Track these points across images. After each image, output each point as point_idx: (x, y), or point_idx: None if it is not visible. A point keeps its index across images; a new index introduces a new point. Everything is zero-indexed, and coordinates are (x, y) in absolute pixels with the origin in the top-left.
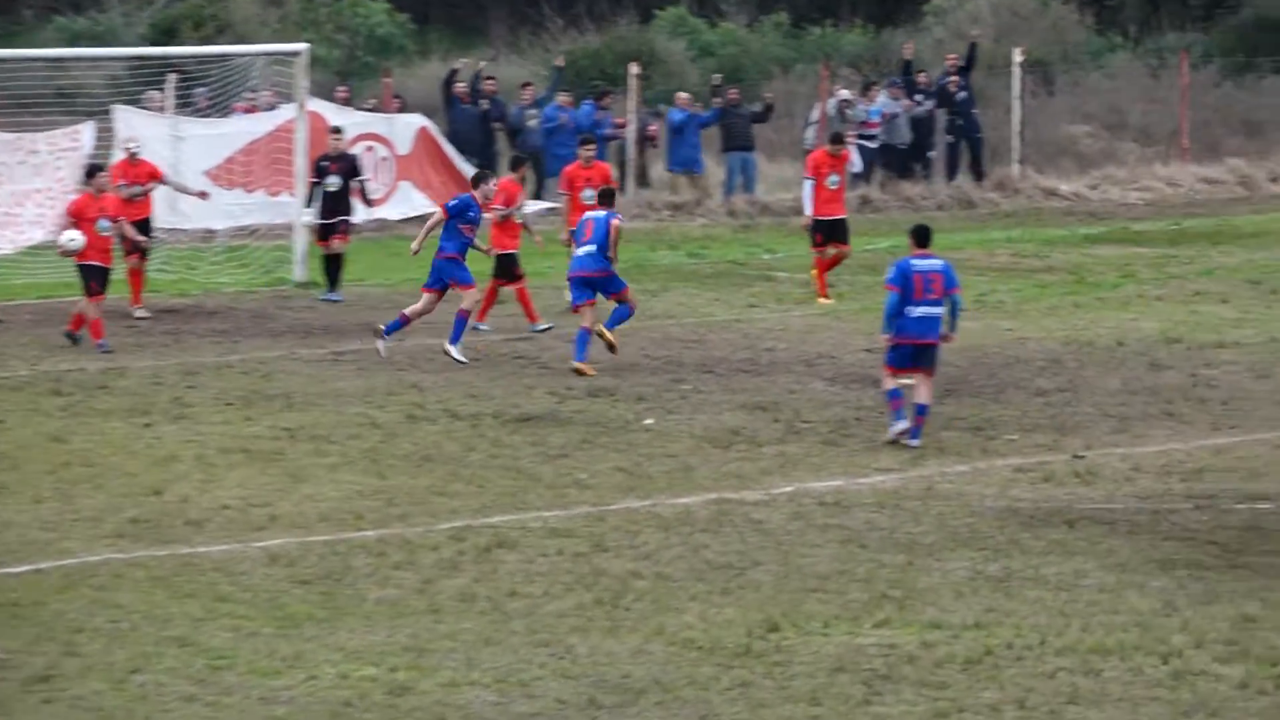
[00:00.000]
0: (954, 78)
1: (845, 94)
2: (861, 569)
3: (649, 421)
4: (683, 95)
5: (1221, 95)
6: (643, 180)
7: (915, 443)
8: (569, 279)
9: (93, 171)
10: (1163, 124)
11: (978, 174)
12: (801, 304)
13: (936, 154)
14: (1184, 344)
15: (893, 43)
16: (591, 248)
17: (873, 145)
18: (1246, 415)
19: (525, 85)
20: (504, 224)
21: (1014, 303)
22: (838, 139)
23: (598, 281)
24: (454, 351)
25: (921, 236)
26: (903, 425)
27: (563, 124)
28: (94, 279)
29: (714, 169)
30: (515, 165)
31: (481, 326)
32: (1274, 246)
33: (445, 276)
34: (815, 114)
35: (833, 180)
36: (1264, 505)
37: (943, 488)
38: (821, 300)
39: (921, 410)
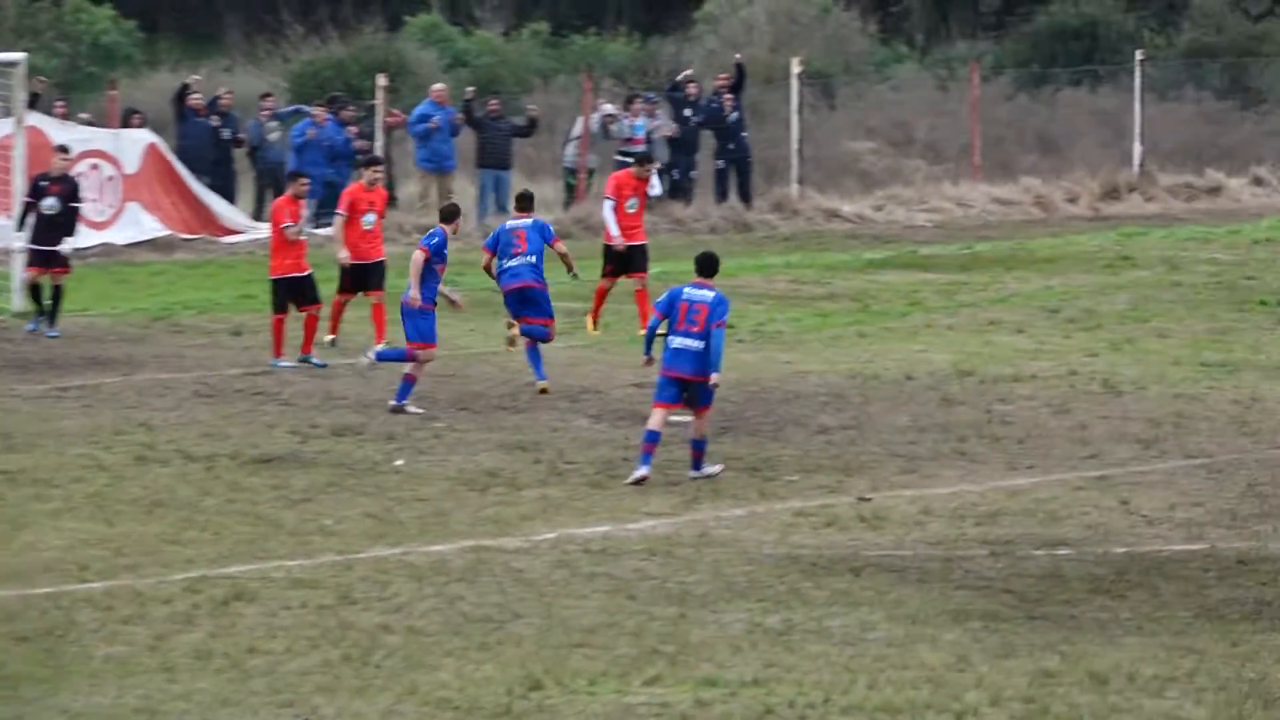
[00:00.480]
0: (728, 96)
1: (609, 108)
2: (631, 621)
3: (399, 463)
4: (438, 87)
5: (1015, 109)
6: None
7: (695, 474)
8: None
9: None
10: (952, 140)
11: (745, 199)
12: (564, 334)
13: (697, 174)
14: (977, 377)
15: (661, 52)
16: (530, 258)
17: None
18: (1044, 454)
19: (265, 96)
20: (289, 244)
21: (794, 333)
22: (645, 159)
23: (534, 294)
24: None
25: (703, 265)
26: (643, 472)
27: (309, 139)
28: None
29: (468, 187)
30: (293, 179)
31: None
32: (1071, 272)
33: (412, 333)
34: (577, 129)
35: (632, 204)
36: (1063, 551)
37: (718, 533)
38: (591, 330)
39: (696, 445)
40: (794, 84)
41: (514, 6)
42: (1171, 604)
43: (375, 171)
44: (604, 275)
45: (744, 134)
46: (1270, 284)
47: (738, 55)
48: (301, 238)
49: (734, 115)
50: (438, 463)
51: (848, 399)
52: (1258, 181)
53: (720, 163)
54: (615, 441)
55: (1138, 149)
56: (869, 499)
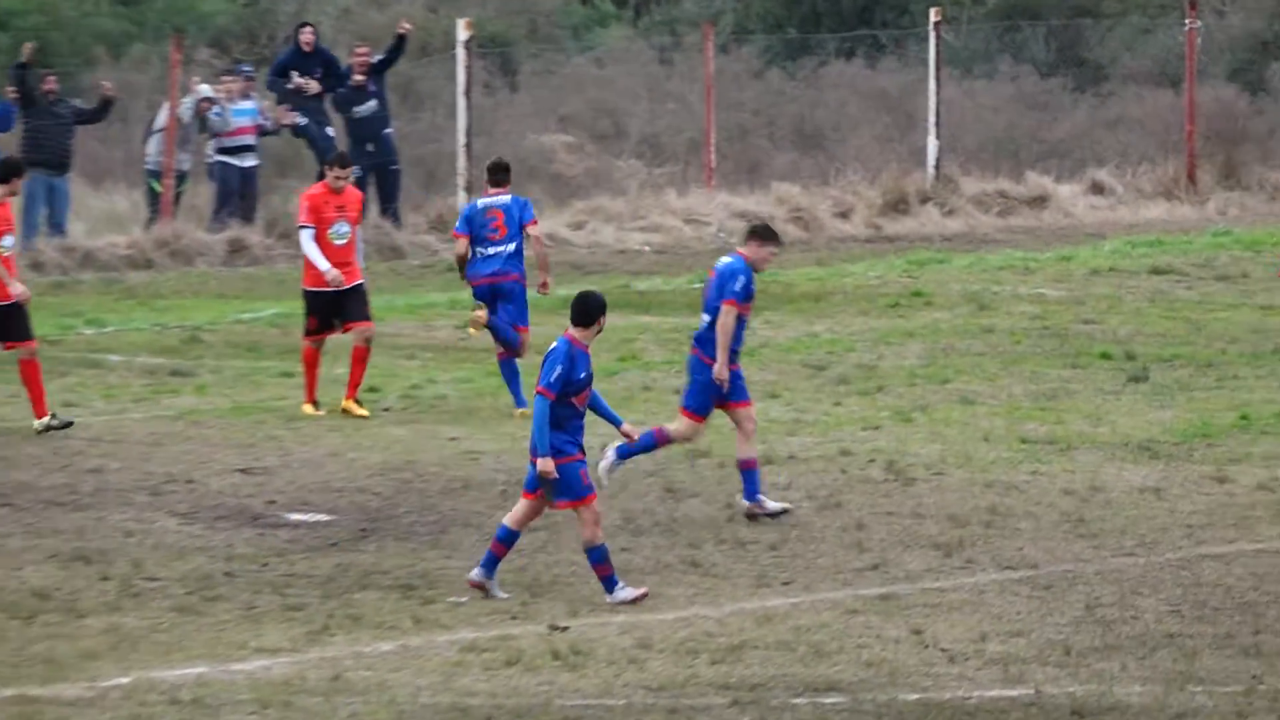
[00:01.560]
0: (360, 78)
1: (207, 89)
2: None
3: None
4: None
5: (764, 90)
6: None
7: (610, 598)
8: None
9: None
10: (679, 133)
11: (392, 215)
12: (143, 401)
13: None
14: (713, 458)
15: (277, 11)
16: (509, 245)
17: (244, 164)
18: (806, 565)
19: None
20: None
21: (462, 399)
22: (342, 161)
23: (510, 289)
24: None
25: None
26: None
27: None
28: None
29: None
30: (8, 175)
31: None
32: (843, 314)
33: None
34: (162, 118)
35: (340, 231)
36: (833, 699)
37: (357, 676)
38: (308, 408)
39: (500, 536)
40: (460, 55)
41: None
42: None
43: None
44: (309, 333)
45: (387, 130)
46: (1115, 330)
47: (405, 24)
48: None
49: (370, 104)
50: None
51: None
52: (1097, 189)
53: (355, 169)
54: (214, 550)
55: (933, 144)
56: (565, 628)
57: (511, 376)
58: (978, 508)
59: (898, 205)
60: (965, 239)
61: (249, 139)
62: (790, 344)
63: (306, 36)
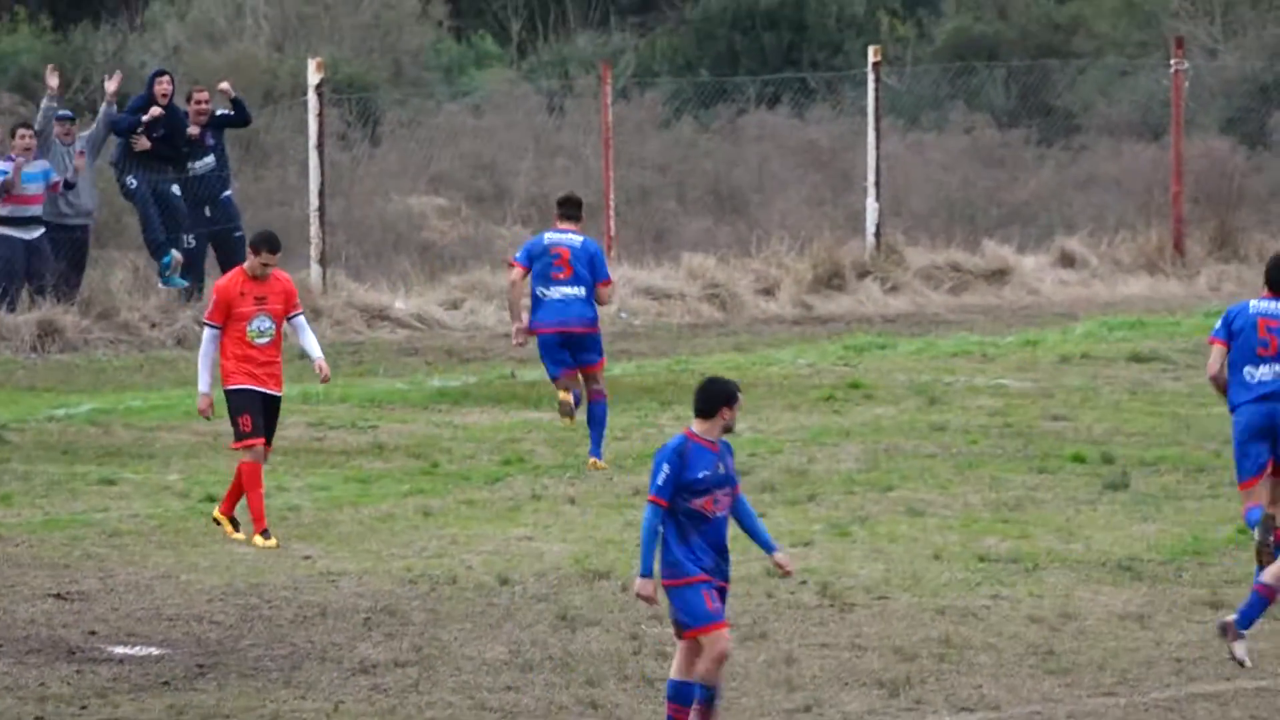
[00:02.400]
0: (195, 130)
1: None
2: None
3: None
4: None
5: (672, 141)
6: None
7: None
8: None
9: None
10: (573, 188)
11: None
12: None
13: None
14: (615, 580)
15: (92, 49)
16: (579, 289)
17: (29, 237)
18: (727, 706)
19: None
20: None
21: (317, 509)
22: (270, 243)
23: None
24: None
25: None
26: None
27: None
28: None
29: None
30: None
31: None
32: (768, 408)
33: None
34: None
35: (263, 327)
36: None
37: None
38: (260, 540)
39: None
40: (311, 102)
41: None
42: None
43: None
44: (242, 436)
45: (227, 192)
46: (1089, 428)
47: (225, 85)
48: None
49: (207, 160)
50: None
51: (406, 617)
52: (1067, 260)
53: (188, 238)
54: (24, 689)
55: (872, 208)
56: None
57: (599, 429)
58: (928, 638)
59: (831, 280)
60: (912, 320)
61: (37, 209)
62: None
63: (162, 88)
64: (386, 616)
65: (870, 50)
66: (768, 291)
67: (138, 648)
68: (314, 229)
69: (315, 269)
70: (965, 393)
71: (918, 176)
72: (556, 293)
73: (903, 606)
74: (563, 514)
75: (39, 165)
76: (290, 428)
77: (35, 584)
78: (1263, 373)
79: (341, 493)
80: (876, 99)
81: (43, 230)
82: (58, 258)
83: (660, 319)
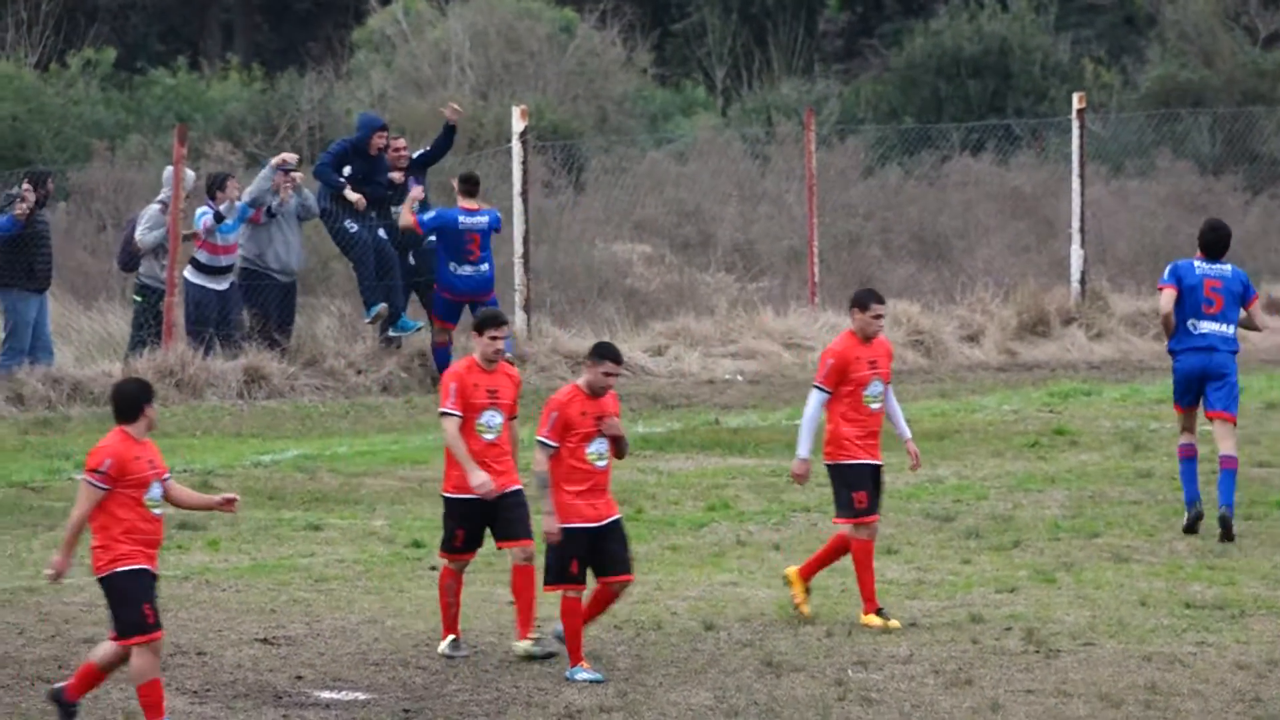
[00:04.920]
0: (397, 175)
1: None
2: None
3: None
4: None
5: (876, 189)
6: None
7: None
8: None
9: None
10: (776, 239)
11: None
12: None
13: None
14: (821, 626)
15: (298, 96)
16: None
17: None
18: None
19: None
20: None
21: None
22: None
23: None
24: None
25: None
26: None
27: None
28: None
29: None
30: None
31: None
32: (973, 455)
33: None
34: (147, 221)
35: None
36: None
37: None
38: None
39: None
40: (516, 150)
41: (54, 22)
42: None
43: (499, 331)
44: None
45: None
46: None
47: (453, 107)
48: None
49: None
50: None
51: (611, 663)
52: (1274, 307)
53: (403, 286)
54: None
55: (1077, 254)
56: None
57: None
58: (1134, 685)
59: (1036, 327)
60: (1117, 366)
61: (232, 258)
62: (910, 491)
63: (381, 142)
64: (592, 661)
65: (1075, 97)
66: (972, 338)
67: (344, 693)
68: (518, 276)
69: (520, 316)
70: (1170, 439)
71: (1122, 223)
72: (1205, 324)
73: (1108, 653)
74: (767, 560)
75: (234, 210)
76: None
77: (242, 629)
78: (1205, 327)
79: None
80: (1081, 145)
81: (233, 280)
82: (267, 309)
83: None
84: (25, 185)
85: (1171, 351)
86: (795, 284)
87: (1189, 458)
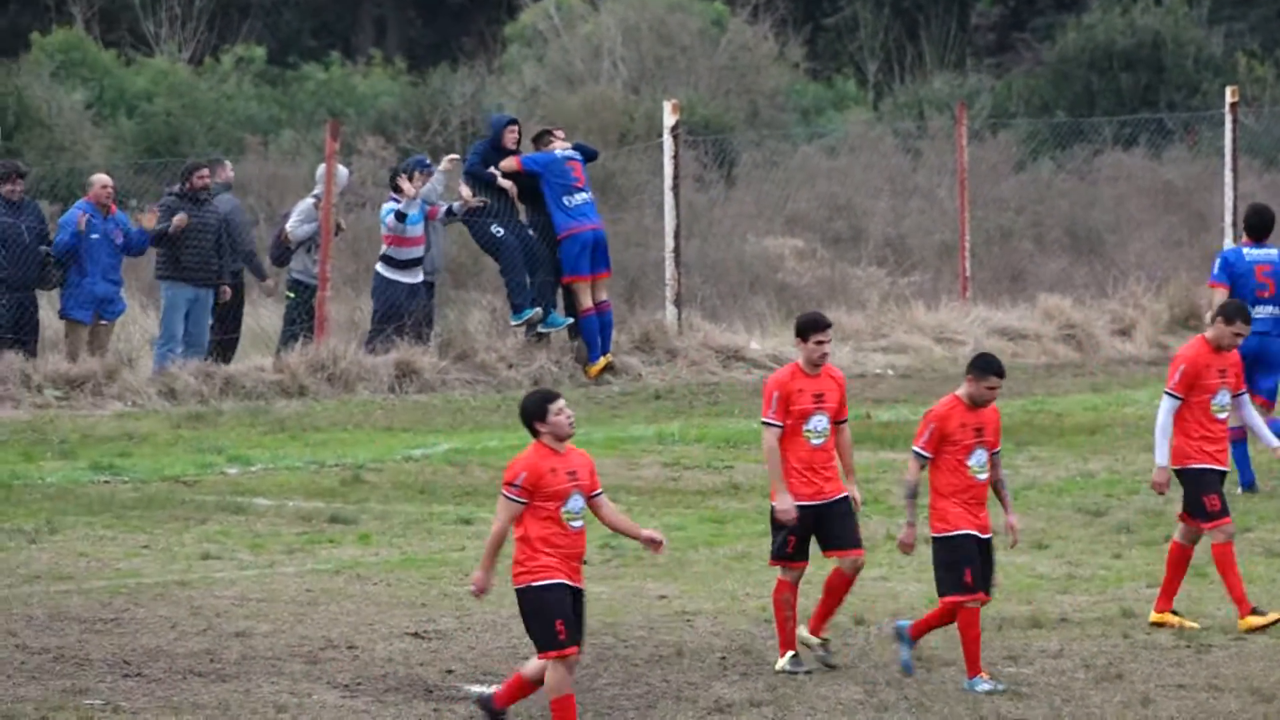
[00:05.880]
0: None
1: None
2: None
3: None
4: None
5: (1028, 183)
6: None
7: None
8: None
9: None
10: (927, 234)
11: None
12: (296, 553)
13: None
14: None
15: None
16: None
17: (413, 279)
18: None
19: None
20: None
21: (671, 549)
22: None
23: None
24: None
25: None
26: None
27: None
28: None
29: (139, 315)
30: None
31: None
32: (1126, 449)
33: None
34: (298, 215)
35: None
36: None
37: None
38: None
39: None
40: (667, 144)
41: (207, 18)
42: None
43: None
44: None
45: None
46: None
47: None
48: None
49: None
50: None
51: (762, 657)
52: None
53: (548, 282)
54: None
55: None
56: None
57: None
58: None
59: (1188, 320)
60: None
61: (419, 250)
62: (1062, 485)
63: (513, 136)
64: (742, 656)
65: (1228, 91)
66: (1124, 332)
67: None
68: (669, 270)
69: (670, 310)
70: None
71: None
72: (1259, 310)
73: (1260, 648)
74: (919, 554)
75: (416, 204)
76: (645, 468)
77: (393, 623)
78: (1261, 312)
79: (696, 533)
80: (1234, 139)
81: (423, 275)
82: (383, 305)
83: (1016, 359)
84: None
85: None
86: (947, 278)
87: (1239, 440)
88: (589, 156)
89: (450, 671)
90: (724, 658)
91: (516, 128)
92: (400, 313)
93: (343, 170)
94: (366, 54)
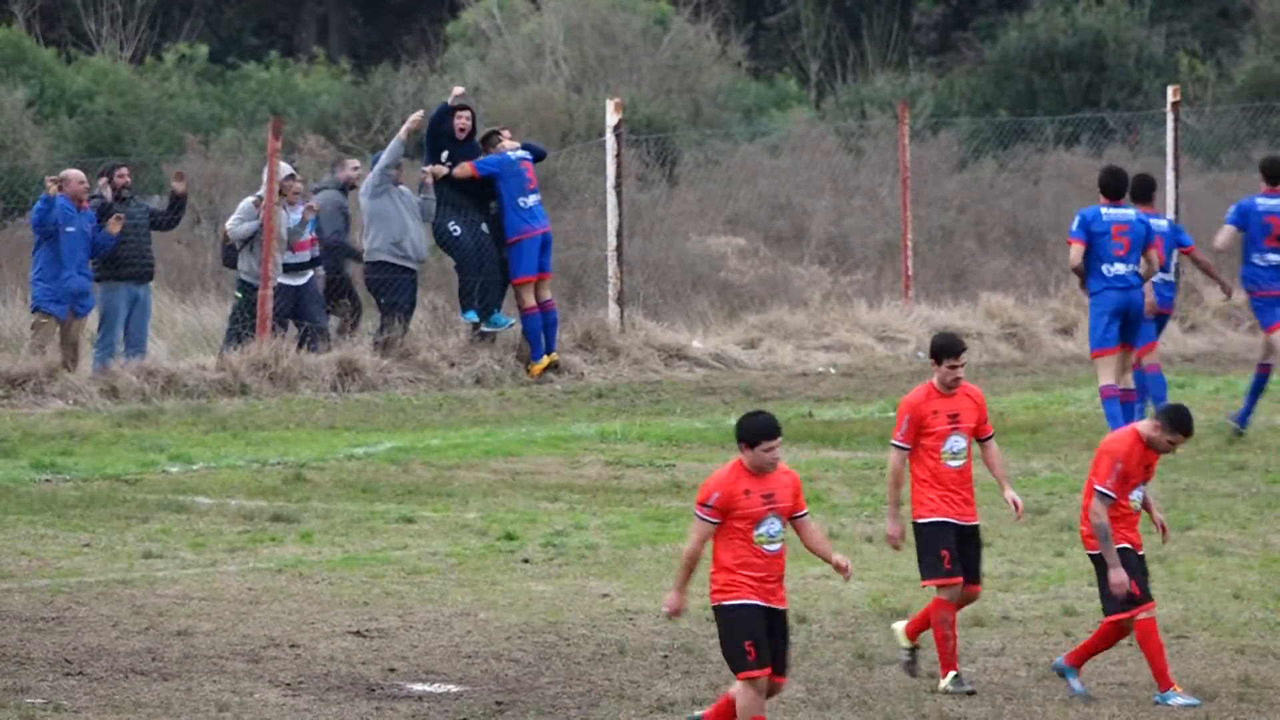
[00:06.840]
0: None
1: (288, 169)
2: None
3: None
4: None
5: (970, 182)
6: None
7: None
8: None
9: None
10: (870, 233)
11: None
12: (238, 551)
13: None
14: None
15: (393, 90)
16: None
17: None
18: None
19: None
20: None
21: (614, 547)
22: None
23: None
24: None
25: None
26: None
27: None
28: None
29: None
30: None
31: None
32: (1067, 446)
33: None
34: (238, 215)
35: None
36: None
37: None
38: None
39: None
40: (609, 143)
41: (148, 17)
42: None
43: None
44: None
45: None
46: None
47: (504, 134)
48: None
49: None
50: None
51: (704, 655)
52: None
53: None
54: None
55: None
56: None
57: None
58: (1227, 678)
59: None
60: (1210, 359)
61: (306, 255)
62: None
63: (461, 122)
64: (684, 654)
65: (1169, 90)
66: (1066, 331)
67: (436, 685)
68: (611, 269)
69: (613, 308)
70: (1265, 432)
71: (1217, 216)
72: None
73: (1202, 646)
74: (860, 552)
75: (298, 213)
76: (587, 466)
77: (335, 621)
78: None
79: (639, 531)
80: (1176, 139)
81: (312, 274)
82: (398, 299)
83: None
84: (101, 181)
85: (1092, 292)
86: (889, 277)
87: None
88: (538, 156)
89: (392, 670)
90: (666, 656)
91: (467, 113)
92: (283, 315)
93: (284, 167)
94: (309, 52)
